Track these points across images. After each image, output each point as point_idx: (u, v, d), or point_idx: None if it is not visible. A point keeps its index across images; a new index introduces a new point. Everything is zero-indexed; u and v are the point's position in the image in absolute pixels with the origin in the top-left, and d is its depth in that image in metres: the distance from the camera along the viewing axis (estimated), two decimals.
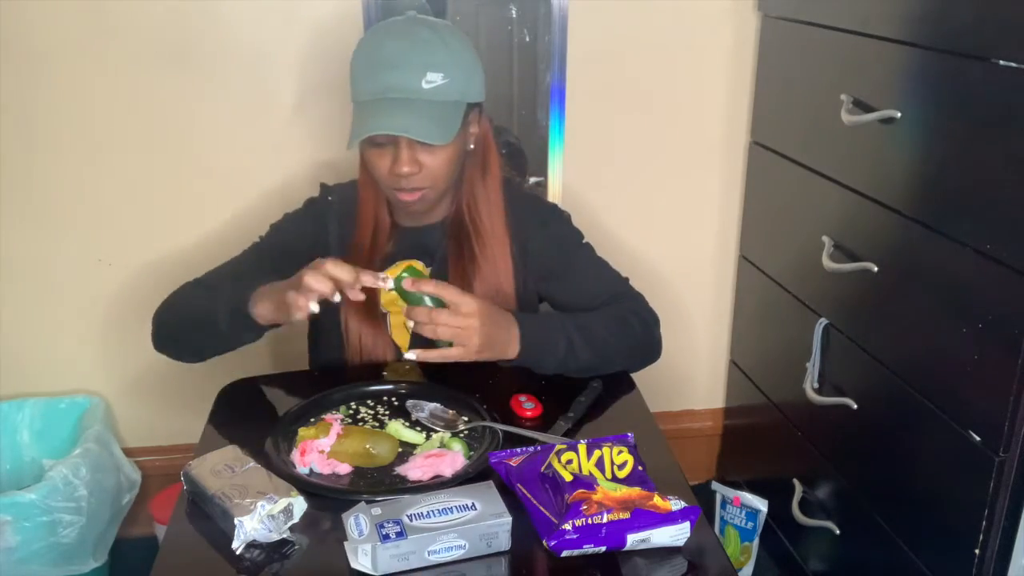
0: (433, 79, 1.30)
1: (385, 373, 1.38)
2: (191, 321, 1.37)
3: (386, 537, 0.95)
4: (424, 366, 1.42)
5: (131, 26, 1.81)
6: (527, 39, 1.93)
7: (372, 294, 1.43)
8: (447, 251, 1.45)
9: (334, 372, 1.43)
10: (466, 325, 1.23)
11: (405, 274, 1.26)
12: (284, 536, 1.01)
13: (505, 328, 1.30)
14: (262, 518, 1.00)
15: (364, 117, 1.31)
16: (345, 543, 0.97)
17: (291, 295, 1.21)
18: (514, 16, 1.91)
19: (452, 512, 0.98)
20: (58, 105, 1.84)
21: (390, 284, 1.23)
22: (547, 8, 1.89)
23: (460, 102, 1.34)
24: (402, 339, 1.46)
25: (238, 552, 0.99)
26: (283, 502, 1.01)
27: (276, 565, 0.99)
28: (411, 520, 0.97)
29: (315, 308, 1.21)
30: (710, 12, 1.98)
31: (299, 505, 1.03)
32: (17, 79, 1.80)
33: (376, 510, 0.99)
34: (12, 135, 1.84)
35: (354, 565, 0.96)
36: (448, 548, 0.97)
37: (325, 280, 1.19)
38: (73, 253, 1.94)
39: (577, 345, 1.34)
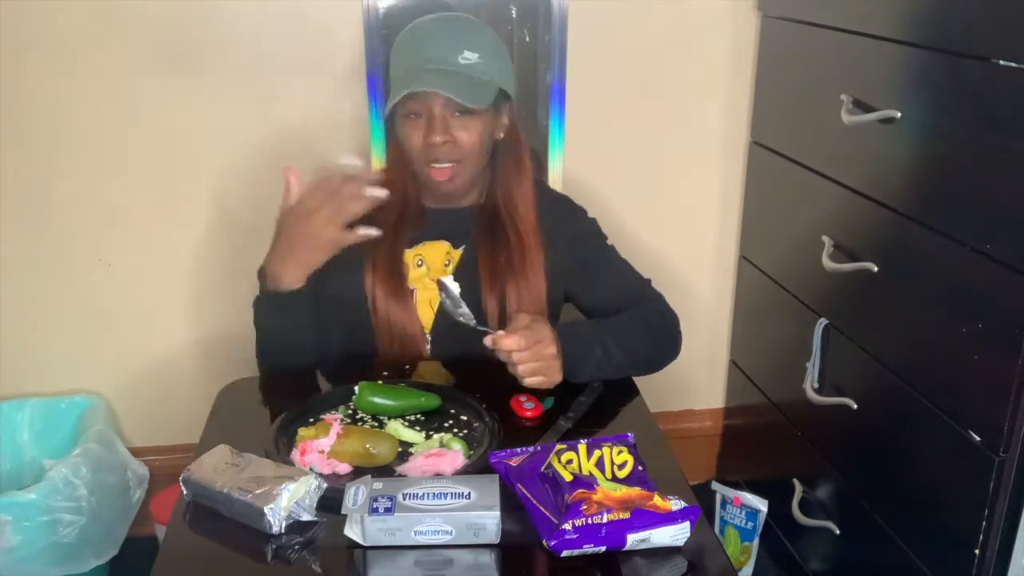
0: (470, 56, 1.37)
1: (386, 373, 1.38)
2: (265, 338, 1.42)
3: (375, 510, 0.99)
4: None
5: (132, 28, 1.80)
6: (527, 39, 1.93)
7: (398, 273, 1.46)
8: (476, 236, 1.48)
9: (334, 372, 1.43)
10: (548, 362, 1.30)
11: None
12: (314, 516, 1.04)
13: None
14: (294, 500, 1.03)
15: (401, 83, 1.36)
16: (343, 511, 1.00)
17: (324, 234, 1.31)
18: (514, 16, 1.91)
19: (446, 498, 1.00)
20: (59, 105, 1.83)
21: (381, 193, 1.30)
22: (547, 8, 1.89)
23: (493, 83, 1.40)
24: (426, 317, 1.47)
25: (279, 533, 1.02)
26: (304, 482, 1.04)
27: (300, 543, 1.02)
28: (404, 499, 1.00)
29: (373, 231, 1.30)
30: (710, 12, 1.98)
31: (318, 484, 1.06)
32: (18, 79, 1.80)
33: (377, 484, 1.02)
34: (12, 135, 1.84)
35: (346, 532, 1.00)
36: (435, 531, 0.99)
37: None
38: (73, 253, 1.94)
39: (611, 350, 1.37)
